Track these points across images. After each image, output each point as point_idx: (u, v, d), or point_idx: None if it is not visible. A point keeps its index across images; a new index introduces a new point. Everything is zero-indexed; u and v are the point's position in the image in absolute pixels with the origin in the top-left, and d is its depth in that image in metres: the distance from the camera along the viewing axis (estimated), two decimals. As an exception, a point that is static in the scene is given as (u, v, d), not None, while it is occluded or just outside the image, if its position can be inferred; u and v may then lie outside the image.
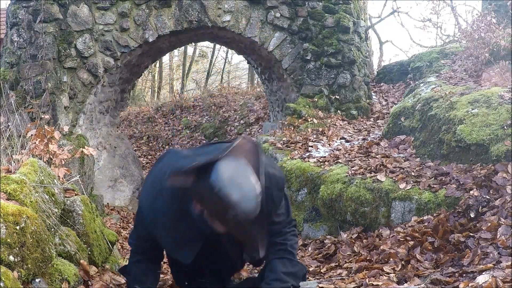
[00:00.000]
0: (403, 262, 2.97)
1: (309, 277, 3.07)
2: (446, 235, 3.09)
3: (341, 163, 4.73)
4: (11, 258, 1.87)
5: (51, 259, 2.14)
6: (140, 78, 12.85)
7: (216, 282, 2.34)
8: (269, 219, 2.03)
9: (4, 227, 1.88)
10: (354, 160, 4.72)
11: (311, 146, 5.49)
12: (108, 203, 7.23)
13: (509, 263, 2.42)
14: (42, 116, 5.14)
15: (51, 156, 3.34)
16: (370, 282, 2.64)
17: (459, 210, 3.31)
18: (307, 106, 7.05)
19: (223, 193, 1.70)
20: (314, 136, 5.95)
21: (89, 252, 2.70)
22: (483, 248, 2.73)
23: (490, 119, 3.97)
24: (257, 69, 8.97)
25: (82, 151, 3.81)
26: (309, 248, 4.05)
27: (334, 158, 4.96)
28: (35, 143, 3.34)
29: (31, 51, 6.68)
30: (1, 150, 3.09)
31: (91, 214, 2.95)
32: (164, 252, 2.28)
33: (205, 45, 21.23)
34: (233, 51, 10.87)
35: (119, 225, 6.46)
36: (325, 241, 4.04)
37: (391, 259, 3.05)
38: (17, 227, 1.93)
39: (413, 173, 4.09)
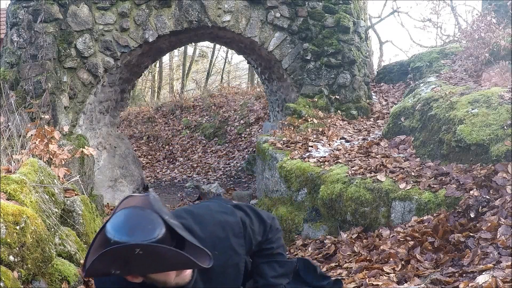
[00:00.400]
0: (403, 262, 2.97)
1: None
2: (446, 235, 3.09)
3: (341, 163, 4.73)
4: (11, 258, 1.87)
5: (51, 259, 2.14)
6: (140, 78, 12.85)
7: None
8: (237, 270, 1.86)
9: (4, 227, 1.88)
10: (354, 160, 4.72)
11: (311, 146, 5.49)
12: (108, 203, 7.23)
13: (509, 263, 2.42)
14: (42, 116, 5.15)
15: (51, 156, 3.34)
16: (370, 282, 2.65)
17: (459, 210, 3.31)
18: (307, 106, 7.05)
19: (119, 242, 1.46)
20: (314, 136, 5.95)
21: (89, 252, 2.69)
22: (483, 248, 2.73)
23: (490, 119, 3.97)
24: (257, 69, 8.97)
25: (82, 151, 3.81)
26: (309, 248, 4.05)
27: (334, 158, 4.96)
28: (35, 143, 3.34)
29: (31, 51, 6.68)
30: (1, 150, 3.09)
31: (91, 214, 2.95)
32: None
33: (205, 45, 21.24)
34: (233, 51, 10.88)
35: (119, 225, 6.44)
36: (325, 241, 4.04)
37: (391, 259, 3.05)
38: (17, 227, 1.93)
39: (413, 173, 4.09)
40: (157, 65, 19.75)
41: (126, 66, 7.48)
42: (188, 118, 13.68)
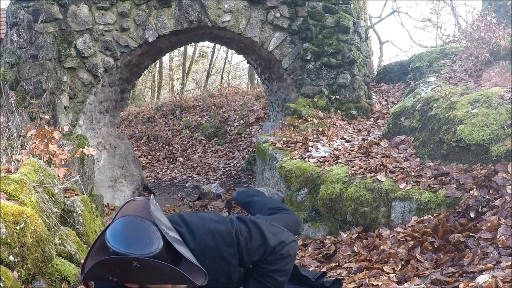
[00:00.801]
0: (403, 262, 2.97)
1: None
2: (446, 235, 3.09)
3: (341, 163, 4.73)
4: (11, 258, 1.87)
5: (51, 259, 2.14)
6: (140, 78, 12.86)
7: None
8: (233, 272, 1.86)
9: (4, 227, 1.88)
10: (354, 160, 4.72)
11: (311, 146, 5.49)
12: (108, 203, 7.23)
13: (509, 263, 2.42)
14: (42, 116, 5.14)
15: (51, 156, 3.35)
16: (370, 282, 2.65)
17: (459, 210, 3.31)
18: (307, 106, 7.05)
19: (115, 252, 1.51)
20: (314, 136, 5.95)
21: (89, 252, 2.70)
22: (483, 248, 2.73)
23: (490, 119, 3.97)
24: (257, 69, 8.97)
25: (82, 151, 3.81)
26: (309, 248, 4.05)
27: (334, 158, 4.96)
28: (35, 143, 3.34)
29: (31, 51, 6.68)
30: (1, 150, 3.09)
31: (91, 214, 2.95)
32: None
33: (205, 45, 21.24)
34: (233, 51, 10.88)
35: (119, 225, 6.44)
36: (325, 241, 4.04)
37: (391, 259, 3.05)
38: (17, 227, 1.93)
39: (413, 173, 4.09)
40: (157, 65, 19.76)
41: (126, 66, 7.48)
42: (188, 118, 13.68)
